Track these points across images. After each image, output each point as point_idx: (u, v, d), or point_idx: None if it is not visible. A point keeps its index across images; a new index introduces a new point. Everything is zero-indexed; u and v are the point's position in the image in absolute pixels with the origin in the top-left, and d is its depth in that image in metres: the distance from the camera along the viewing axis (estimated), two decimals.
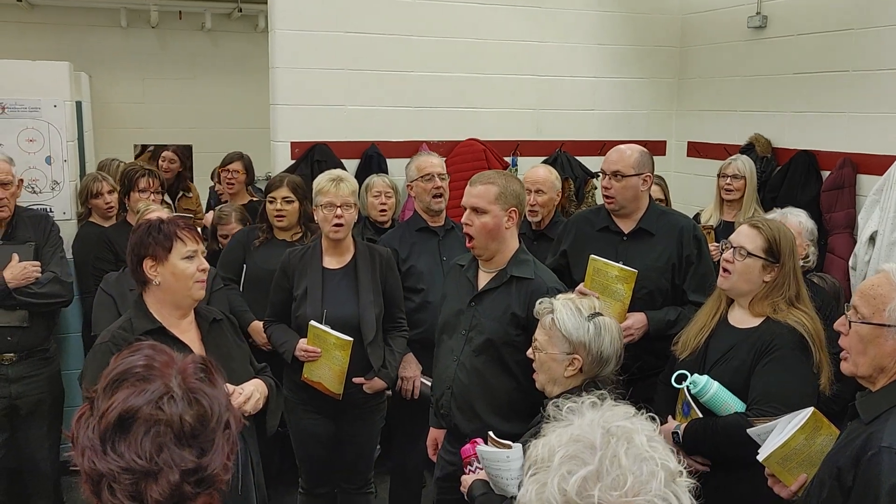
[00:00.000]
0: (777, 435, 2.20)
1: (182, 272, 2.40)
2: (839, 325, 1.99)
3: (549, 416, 1.26)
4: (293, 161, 4.88)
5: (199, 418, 1.21)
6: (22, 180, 3.93)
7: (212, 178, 6.14)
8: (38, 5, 7.04)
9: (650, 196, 3.39)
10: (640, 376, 2.99)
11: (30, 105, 4.50)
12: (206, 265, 2.49)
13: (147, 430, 1.18)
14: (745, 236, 2.66)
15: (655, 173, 4.66)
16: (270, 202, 3.90)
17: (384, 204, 4.28)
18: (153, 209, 3.53)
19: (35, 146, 4.50)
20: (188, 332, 2.47)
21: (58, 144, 4.56)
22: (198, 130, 7.72)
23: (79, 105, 5.14)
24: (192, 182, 6.62)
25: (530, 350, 2.52)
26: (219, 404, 1.25)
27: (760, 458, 2.20)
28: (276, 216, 3.88)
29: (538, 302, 2.54)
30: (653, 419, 1.18)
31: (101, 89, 7.11)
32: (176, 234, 2.41)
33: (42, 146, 4.52)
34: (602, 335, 2.39)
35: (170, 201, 5.69)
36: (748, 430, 2.32)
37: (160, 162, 5.92)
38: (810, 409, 2.18)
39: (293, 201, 3.88)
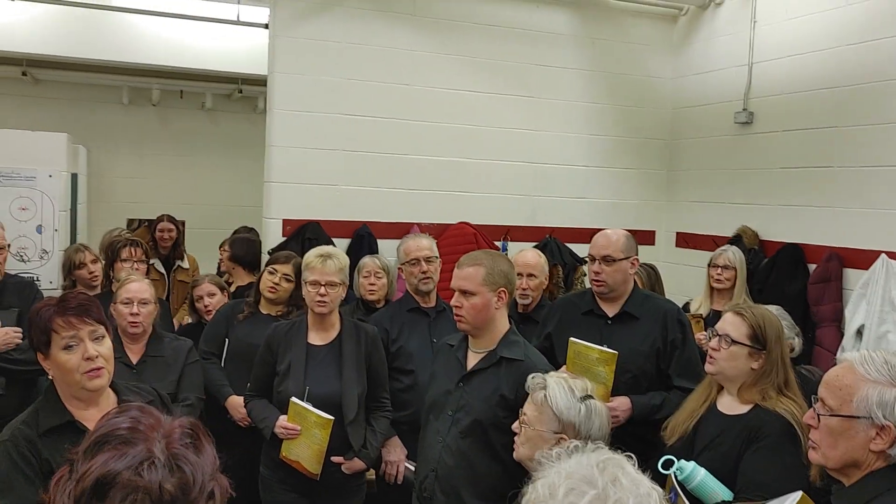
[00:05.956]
0: None
1: (63, 365, 2.12)
2: (808, 418, 1.95)
3: (538, 463, 1.34)
4: (284, 238, 4.90)
5: (180, 487, 1.15)
6: (9, 245, 3.92)
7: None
8: (42, 80, 7.20)
9: (635, 280, 3.41)
10: None
11: (26, 174, 4.56)
12: (93, 351, 2.14)
13: (124, 496, 1.12)
14: (729, 324, 2.65)
15: (648, 262, 4.75)
16: (270, 273, 3.89)
17: (373, 285, 4.27)
18: (133, 279, 3.52)
19: (27, 214, 4.53)
20: None
21: (50, 214, 4.59)
22: (192, 206, 7.79)
23: (74, 177, 5.20)
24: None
25: (516, 423, 2.48)
26: (203, 473, 1.19)
27: None
28: (271, 288, 3.87)
29: (531, 376, 2.51)
30: (629, 457, 1.28)
31: (98, 162, 7.21)
32: (49, 324, 2.12)
33: (34, 215, 4.55)
34: (592, 418, 2.36)
35: (163, 271, 5.67)
36: None
37: (157, 232, 5.93)
38: (799, 493, 2.13)
39: (291, 281, 3.88)
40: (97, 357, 2.16)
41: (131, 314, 3.35)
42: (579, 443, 1.35)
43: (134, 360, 3.37)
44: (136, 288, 3.42)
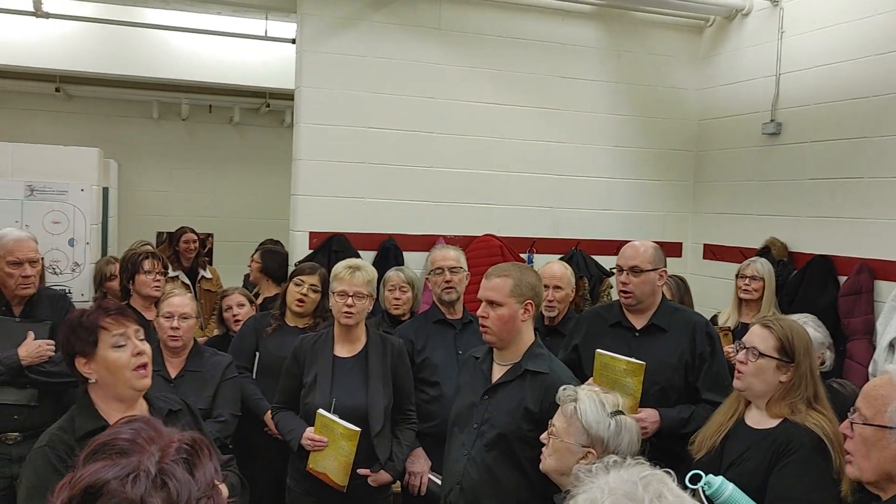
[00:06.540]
0: None
1: (114, 363, 2.18)
2: (844, 427, 1.94)
3: (575, 478, 1.31)
4: (311, 251, 4.94)
5: (166, 503, 1.13)
6: (43, 257, 3.99)
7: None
8: (74, 96, 7.34)
9: (663, 293, 3.39)
10: None
11: (58, 188, 4.63)
12: (143, 347, 2.24)
13: None
14: (756, 336, 2.62)
15: (675, 274, 4.71)
16: (297, 285, 3.92)
17: (398, 299, 4.28)
18: (175, 293, 3.57)
19: (59, 228, 4.60)
20: None
21: (82, 227, 4.66)
22: (219, 220, 7.88)
23: (105, 191, 5.28)
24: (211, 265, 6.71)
25: (545, 434, 2.47)
26: (191, 490, 1.15)
27: None
28: (298, 300, 3.90)
29: (562, 388, 2.50)
30: (668, 473, 1.25)
31: (129, 177, 7.32)
32: (98, 323, 2.20)
33: (66, 228, 4.62)
34: (622, 434, 2.34)
35: (188, 281, 5.73)
36: None
37: (181, 244, 6.00)
38: None
39: (318, 291, 3.91)
40: (145, 353, 2.23)
41: (171, 328, 3.40)
42: (618, 458, 1.31)
43: (173, 373, 3.42)
44: (178, 302, 3.47)
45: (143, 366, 2.23)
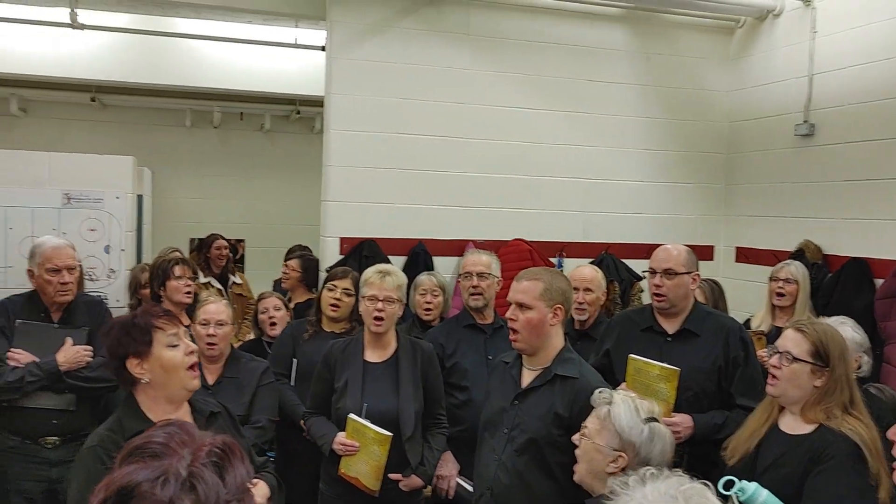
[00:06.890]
0: None
1: (170, 361, 2.23)
2: (892, 433, 1.91)
3: (613, 491, 1.27)
4: (342, 256, 4.97)
5: None
6: (81, 264, 4.05)
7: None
8: (109, 105, 7.47)
9: (695, 297, 3.36)
10: None
11: (94, 196, 4.72)
12: (194, 346, 2.32)
13: None
14: (790, 340, 2.59)
15: (709, 278, 4.67)
16: (330, 290, 3.94)
17: (429, 303, 4.28)
18: (211, 300, 3.62)
19: (95, 235, 4.68)
20: None
21: (117, 234, 4.74)
22: (251, 226, 7.97)
23: (140, 198, 5.36)
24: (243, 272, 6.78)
25: (577, 435, 2.46)
26: (219, 493, 1.15)
27: None
28: (332, 305, 3.92)
29: (597, 390, 2.50)
30: (706, 485, 1.22)
31: (162, 184, 7.43)
32: (153, 324, 2.24)
33: (102, 235, 4.70)
34: (654, 442, 2.32)
35: (220, 286, 5.79)
36: None
37: (213, 250, 6.07)
38: None
39: (352, 295, 3.92)
40: (196, 352, 2.28)
41: (208, 335, 3.44)
42: (655, 469, 1.27)
43: (211, 380, 3.45)
44: (214, 309, 3.51)
45: (193, 366, 2.28)
